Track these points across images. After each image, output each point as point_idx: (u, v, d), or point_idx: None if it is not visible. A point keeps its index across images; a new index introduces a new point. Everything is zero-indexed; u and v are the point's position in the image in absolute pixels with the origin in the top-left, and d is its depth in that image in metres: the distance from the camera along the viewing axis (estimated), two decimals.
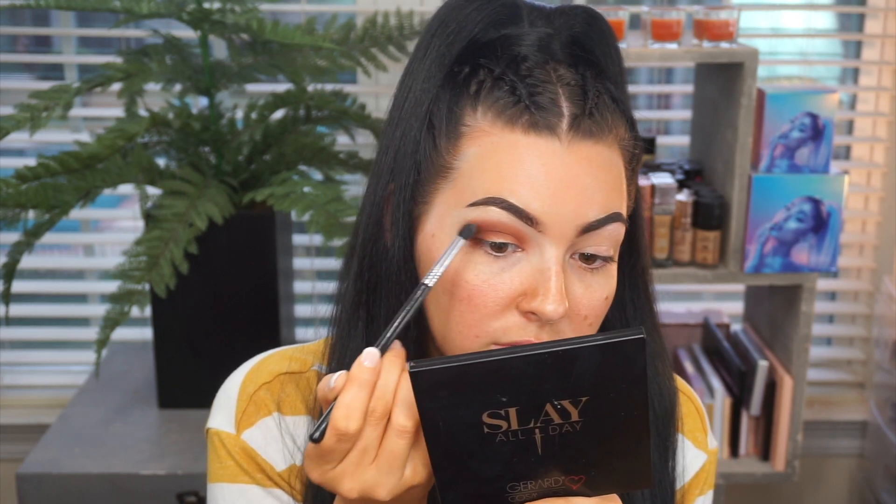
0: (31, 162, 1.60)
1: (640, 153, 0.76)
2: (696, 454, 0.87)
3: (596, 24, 0.75)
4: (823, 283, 2.35)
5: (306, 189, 1.64)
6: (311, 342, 0.88)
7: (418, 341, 0.78)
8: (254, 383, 0.84)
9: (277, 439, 0.82)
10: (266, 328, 1.72)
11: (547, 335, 0.70)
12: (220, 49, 2.08)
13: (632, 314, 0.81)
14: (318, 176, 1.91)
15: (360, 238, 0.77)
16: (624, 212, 0.72)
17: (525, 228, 0.69)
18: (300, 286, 2.15)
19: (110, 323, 1.65)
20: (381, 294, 0.76)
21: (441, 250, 0.71)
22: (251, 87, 1.94)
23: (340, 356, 0.79)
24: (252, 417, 0.82)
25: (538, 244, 0.69)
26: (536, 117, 0.69)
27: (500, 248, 0.70)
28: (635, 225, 0.79)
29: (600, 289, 0.72)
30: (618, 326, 0.81)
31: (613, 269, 0.73)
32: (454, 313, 0.71)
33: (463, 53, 0.73)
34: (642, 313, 0.82)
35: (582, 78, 0.71)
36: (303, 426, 0.83)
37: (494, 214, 0.68)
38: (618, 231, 0.72)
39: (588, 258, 0.71)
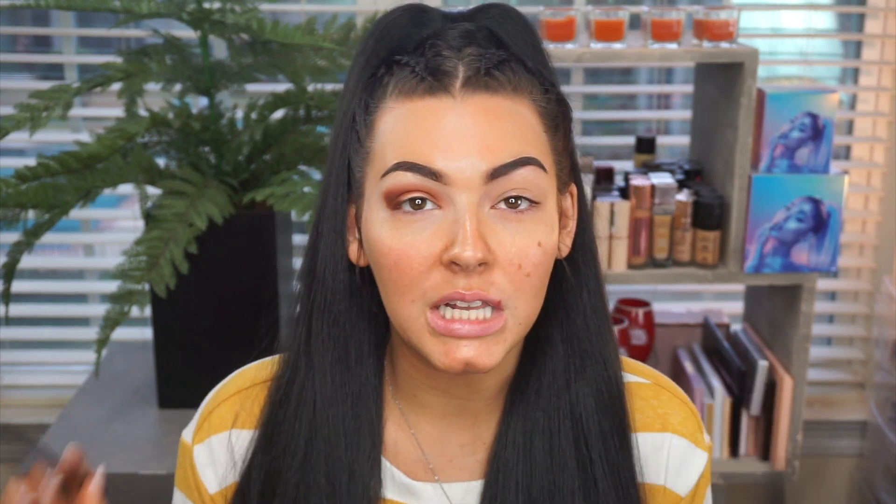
0: (31, 162, 1.60)
1: (564, 112, 0.77)
2: (701, 454, 0.87)
3: (510, 17, 0.78)
4: (823, 283, 2.35)
5: (306, 189, 1.64)
6: None
7: (380, 345, 0.81)
8: (216, 400, 0.87)
9: (219, 461, 0.85)
10: (266, 328, 1.72)
11: (478, 286, 0.71)
12: (220, 49, 2.08)
13: (588, 298, 0.81)
14: (318, 176, 1.91)
15: (307, 243, 0.81)
16: (542, 160, 0.74)
17: (434, 185, 0.71)
18: None
19: (110, 323, 1.65)
20: (315, 296, 0.80)
21: (371, 231, 0.74)
22: (251, 87, 1.94)
23: (283, 360, 0.84)
24: (204, 433, 0.86)
25: (450, 198, 0.71)
26: (432, 83, 0.72)
27: (417, 205, 0.72)
28: (578, 193, 0.81)
29: (529, 234, 0.72)
30: (576, 311, 0.81)
31: (546, 216, 0.74)
32: (388, 283, 0.73)
33: (382, 61, 0.76)
34: (594, 294, 0.82)
35: (486, 51, 0.74)
36: (246, 441, 0.85)
37: (402, 178, 0.71)
38: (535, 175, 0.73)
39: (512, 203, 0.72)
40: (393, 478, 0.83)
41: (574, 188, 0.80)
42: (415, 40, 0.76)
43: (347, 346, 0.80)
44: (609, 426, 0.82)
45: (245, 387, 0.87)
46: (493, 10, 0.78)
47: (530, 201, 0.73)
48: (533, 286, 0.73)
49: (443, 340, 0.72)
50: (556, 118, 0.77)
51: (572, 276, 0.80)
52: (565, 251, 0.79)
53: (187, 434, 0.88)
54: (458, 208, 0.71)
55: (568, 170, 0.79)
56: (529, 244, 0.72)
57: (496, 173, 0.71)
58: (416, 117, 0.72)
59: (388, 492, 0.83)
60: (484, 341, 0.72)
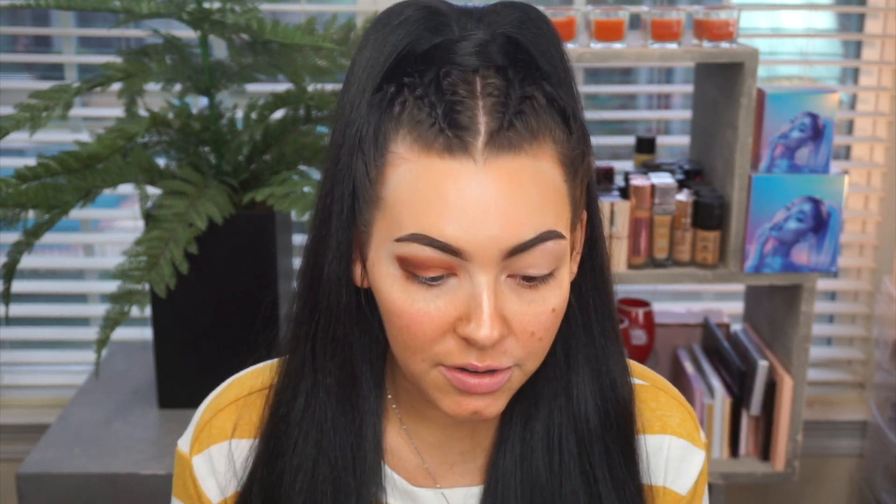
0: (31, 162, 1.60)
1: (584, 150, 0.73)
2: (699, 453, 0.88)
3: (531, 20, 0.72)
4: (823, 283, 2.35)
5: (306, 189, 1.64)
6: None
7: (381, 356, 0.81)
8: (213, 409, 0.86)
9: (220, 470, 0.84)
10: (266, 328, 1.72)
11: (491, 358, 0.70)
12: (220, 49, 2.08)
13: (595, 318, 0.80)
14: (318, 176, 1.91)
15: (305, 256, 0.78)
16: (561, 226, 0.70)
17: (451, 259, 0.68)
18: None
19: (110, 323, 1.65)
20: (319, 316, 0.77)
21: (380, 281, 0.71)
22: (251, 87, 1.94)
23: (285, 374, 0.82)
24: (203, 444, 0.85)
25: (467, 270, 0.69)
26: (451, 139, 0.66)
27: (432, 280, 0.69)
28: (592, 224, 0.78)
29: (544, 302, 0.71)
30: (581, 330, 0.80)
31: (561, 279, 0.72)
32: (399, 339, 0.72)
33: (391, 69, 0.71)
34: (602, 316, 0.81)
35: (507, 84, 0.68)
36: (245, 450, 0.84)
37: (419, 251, 0.68)
38: (554, 247, 0.70)
39: (526, 278, 0.70)
40: (394, 484, 0.83)
41: (584, 215, 0.78)
42: (424, 45, 0.71)
43: (353, 365, 0.79)
44: (614, 443, 0.82)
45: (242, 395, 0.86)
46: (511, 11, 0.72)
47: (544, 277, 0.71)
48: (543, 346, 0.73)
49: (453, 392, 0.72)
50: (576, 162, 0.72)
51: (578, 303, 0.79)
52: (571, 278, 0.77)
53: (184, 444, 0.87)
54: (474, 283, 0.69)
55: (583, 207, 0.76)
56: (544, 312, 0.71)
57: (516, 250, 0.68)
58: (433, 180, 0.67)
59: (390, 498, 0.83)
60: (492, 394, 0.73)
